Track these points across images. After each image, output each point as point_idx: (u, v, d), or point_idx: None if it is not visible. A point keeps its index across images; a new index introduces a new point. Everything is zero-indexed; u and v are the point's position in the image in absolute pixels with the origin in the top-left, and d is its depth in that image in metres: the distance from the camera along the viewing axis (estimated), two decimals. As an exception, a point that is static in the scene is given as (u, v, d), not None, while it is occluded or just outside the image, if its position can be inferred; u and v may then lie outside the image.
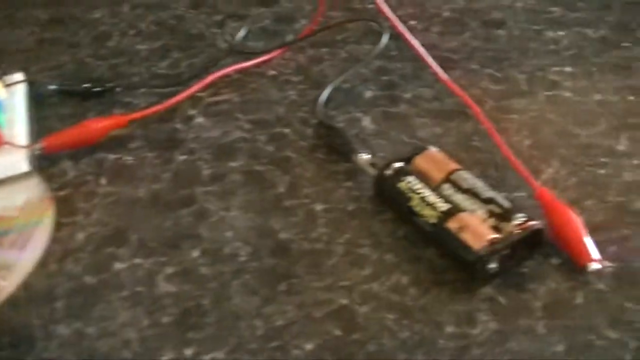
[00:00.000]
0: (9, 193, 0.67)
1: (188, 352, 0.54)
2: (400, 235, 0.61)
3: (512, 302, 0.56)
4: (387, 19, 0.78)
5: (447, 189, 0.60)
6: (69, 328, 0.56)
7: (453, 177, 0.61)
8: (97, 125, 0.71)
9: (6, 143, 0.69)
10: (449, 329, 0.54)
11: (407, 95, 0.74)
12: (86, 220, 0.64)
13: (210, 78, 0.76)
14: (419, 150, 0.64)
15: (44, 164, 0.70)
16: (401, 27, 0.77)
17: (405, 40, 0.77)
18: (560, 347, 0.53)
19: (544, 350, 0.53)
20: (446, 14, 0.86)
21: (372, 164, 0.64)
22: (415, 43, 0.76)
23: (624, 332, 0.54)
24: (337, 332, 0.54)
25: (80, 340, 0.55)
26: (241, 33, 0.83)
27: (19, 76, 0.77)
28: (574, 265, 0.57)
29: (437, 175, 0.61)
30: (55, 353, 0.54)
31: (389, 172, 0.62)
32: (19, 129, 0.71)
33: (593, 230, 0.59)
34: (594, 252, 0.57)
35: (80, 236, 0.62)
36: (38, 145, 0.69)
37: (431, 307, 0.56)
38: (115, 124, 0.71)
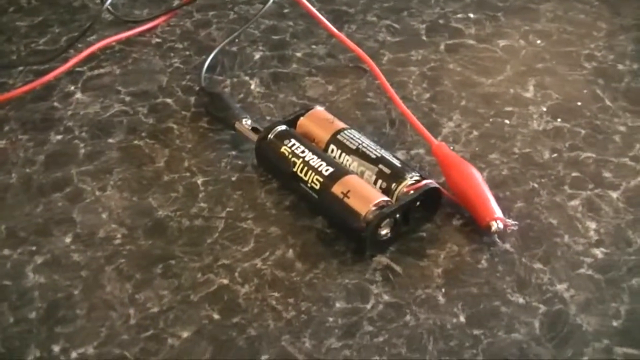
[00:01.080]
0: None
1: (56, 348, 0.49)
2: (286, 205, 0.56)
3: (409, 271, 0.51)
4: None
5: (334, 151, 0.55)
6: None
7: (339, 137, 0.55)
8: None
9: None
10: (339, 304, 0.49)
11: (299, 54, 0.69)
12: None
13: (89, 50, 0.71)
14: (305, 111, 0.58)
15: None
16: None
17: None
18: (462, 318, 0.48)
19: (445, 321, 0.47)
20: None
21: (254, 129, 0.58)
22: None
23: (532, 295, 0.48)
24: (216, 316, 0.50)
25: None
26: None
27: None
28: (477, 225, 0.51)
29: (323, 136, 0.56)
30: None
31: (271, 136, 0.56)
32: None
33: (497, 186, 0.55)
34: (497, 210, 0.52)
35: None
36: None
37: (319, 282, 0.51)
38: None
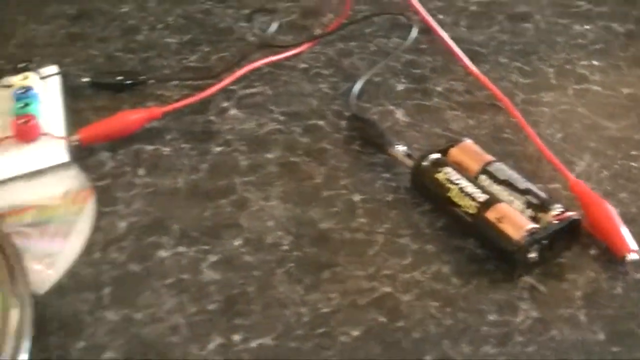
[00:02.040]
0: (49, 183, 0.68)
1: (236, 337, 0.55)
2: (439, 225, 0.62)
3: (552, 291, 0.57)
4: (415, 12, 0.79)
5: (484, 180, 0.62)
6: (117, 314, 0.57)
7: (489, 168, 0.62)
8: (132, 117, 0.72)
9: (44, 134, 0.69)
10: (491, 317, 0.55)
11: (439, 89, 0.76)
12: (127, 210, 0.65)
13: (241, 71, 0.78)
14: (454, 142, 0.65)
15: (82, 155, 0.71)
16: (431, 21, 0.78)
17: (435, 34, 0.78)
18: (601, 336, 0.54)
19: (587, 338, 0.53)
20: (473, 7, 0.87)
21: (408, 156, 0.65)
22: (445, 36, 0.77)
23: (663, 320, 0.54)
24: (382, 319, 0.56)
25: (128, 326, 0.56)
26: (273, 27, 0.84)
27: (52, 69, 0.78)
28: (612, 255, 0.58)
29: (473, 166, 0.63)
30: (104, 339, 0.55)
31: (426, 163, 0.63)
32: (56, 120, 0.72)
33: (628, 222, 0.60)
34: (631, 243, 0.58)
35: (122, 225, 0.63)
36: (75, 137, 0.69)
37: (473, 295, 0.57)
38: (150, 115, 0.72)
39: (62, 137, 0.70)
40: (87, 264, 0.61)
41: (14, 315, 0.53)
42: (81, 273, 0.60)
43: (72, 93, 0.78)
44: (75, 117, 0.74)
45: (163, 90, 0.77)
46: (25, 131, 0.69)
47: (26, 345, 0.52)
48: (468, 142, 0.65)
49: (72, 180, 0.68)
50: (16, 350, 0.51)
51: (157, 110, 0.72)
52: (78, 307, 0.57)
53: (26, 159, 0.69)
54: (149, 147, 0.71)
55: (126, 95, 0.78)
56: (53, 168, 0.70)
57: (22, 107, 0.71)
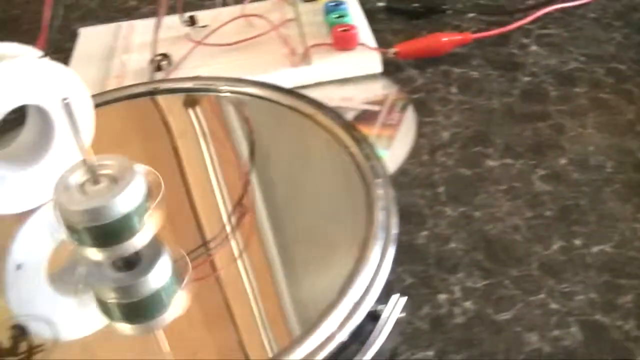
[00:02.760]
0: (364, 89, 0.72)
1: (577, 242, 0.57)
2: None
3: None
4: None
5: None
6: (455, 211, 0.60)
7: None
8: (445, 39, 0.74)
9: (361, 44, 0.73)
10: None
11: None
12: (446, 122, 0.68)
13: (538, 12, 0.79)
14: None
15: (390, 69, 0.74)
16: None
17: None
18: None
19: None
20: None
21: None
22: None
23: None
24: None
25: (469, 222, 0.59)
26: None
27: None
28: None
29: None
30: (446, 231, 0.58)
31: None
32: (365, 34, 0.75)
33: None
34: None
35: (445, 135, 0.66)
36: (392, 50, 0.73)
37: None
38: (461, 39, 0.75)
39: (378, 49, 0.72)
40: (417, 165, 0.64)
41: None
42: (413, 172, 0.63)
43: (367, 15, 0.81)
44: (375, 37, 0.77)
45: (459, 21, 0.80)
46: (345, 39, 0.73)
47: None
48: None
49: (388, 89, 0.71)
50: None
51: (469, 36, 0.75)
52: (416, 200, 0.60)
53: (342, 66, 0.73)
54: (457, 70, 0.74)
55: (422, 22, 0.80)
56: (365, 77, 0.72)
57: (337, 18, 0.74)
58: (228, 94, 0.67)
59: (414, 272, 0.55)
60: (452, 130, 0.66)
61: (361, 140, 0.59)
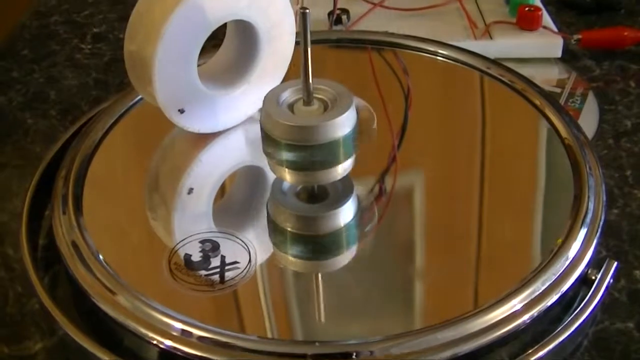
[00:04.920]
0: (546, 71, 0.73)
1: None
2: None
3: None
4: None
5: None
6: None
7: None
8: (630, 33, 0.74)
9: (544, 27, 0.73)
10: None
11: None
12: (628, 112, 0.68)
13: None
14: None
15: (565, 57, 0.75)
16: None
17: None
18: None
19: None
20: None
21: None
22: None
23: None
24: None
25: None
26: None
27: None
28: None
29: None
30: (637, 211, 0.59)
31: None
32: (547, 18, 0.75)
33: None
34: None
35: (627, 123, 0.66)
36: (576, 36, 0.73)
37: None
38: (644, 36, 0.74)
39: (561, 34, 0.73)
40: (603, 147, 0.64)
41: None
42: (599, 154, 0.62)
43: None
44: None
45: (631, 22, 0.80)
46: (530, 19, 0.73)
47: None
48: None
49: (565, 74, 0.71)
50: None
51: (655, 35, 0.74)
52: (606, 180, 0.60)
53: (524, 45, 0.74)
54: (633, 66, 0.74)
55: (593, 18, 0.80)
56: (543, 60, 0.73)
57: (525, -1, 0.73)
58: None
59: (608, 246, 0.54)
60: (634, 120, 0.65)
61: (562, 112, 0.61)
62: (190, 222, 0.53)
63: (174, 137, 0.59)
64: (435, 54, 0.68)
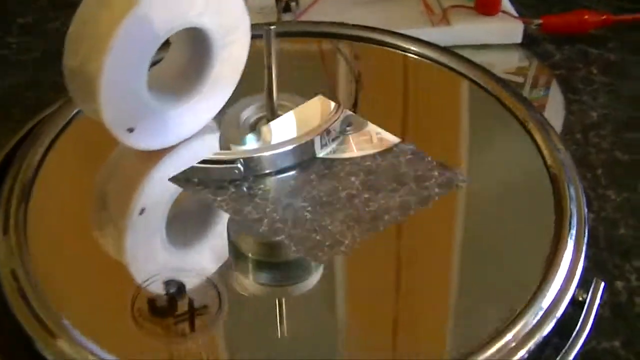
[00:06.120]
0: (506, 58, 0.70)
1: None
2: None
3: None
4: None
5: None
6: (619, 196, 0.57)
7: None
8: (589, 17, 0.72)
9: (503, 12, 0.70)
10: None
11: None
12: (593, 103, 0.65)
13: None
14: None
15: (527, 41, 0.72)
16: None
17: None
18: None
19: None
20: None
21: None
22: None
23: None
24: None
25: (633, 208, 0.57)
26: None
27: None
28: None
29: None
30: (611, 215, 0.56)
31: None
32: (506, 3, 0.72)
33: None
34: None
35: (593, 115, 0.64)
36: (536, 21, 0.70)
37: None
38: (604, 20, 0.72)
39: (521, 18, 0.70)
40: (571, 143, 0.61)
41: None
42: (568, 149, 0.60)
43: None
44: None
45: (589, 2, 0.77)
46: (489, 3, 0.70)
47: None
48: None
49: (525, 61, 0.68)
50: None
51: (611, 17, 0.72)
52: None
53: (483, 31, 0.71)
54: (594, 50, 0.71)
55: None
56: (503, 46, 0.70)
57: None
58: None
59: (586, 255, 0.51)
60: (601, 112, 0.64)
61: (542, 122, 0.56)
62: (145, 252, 0.48)
63: (122, 150, 0.54)
64: (383, 43, 0.64)
